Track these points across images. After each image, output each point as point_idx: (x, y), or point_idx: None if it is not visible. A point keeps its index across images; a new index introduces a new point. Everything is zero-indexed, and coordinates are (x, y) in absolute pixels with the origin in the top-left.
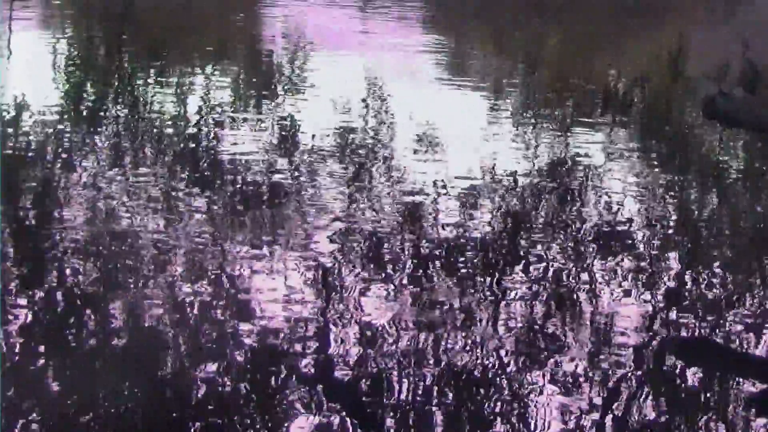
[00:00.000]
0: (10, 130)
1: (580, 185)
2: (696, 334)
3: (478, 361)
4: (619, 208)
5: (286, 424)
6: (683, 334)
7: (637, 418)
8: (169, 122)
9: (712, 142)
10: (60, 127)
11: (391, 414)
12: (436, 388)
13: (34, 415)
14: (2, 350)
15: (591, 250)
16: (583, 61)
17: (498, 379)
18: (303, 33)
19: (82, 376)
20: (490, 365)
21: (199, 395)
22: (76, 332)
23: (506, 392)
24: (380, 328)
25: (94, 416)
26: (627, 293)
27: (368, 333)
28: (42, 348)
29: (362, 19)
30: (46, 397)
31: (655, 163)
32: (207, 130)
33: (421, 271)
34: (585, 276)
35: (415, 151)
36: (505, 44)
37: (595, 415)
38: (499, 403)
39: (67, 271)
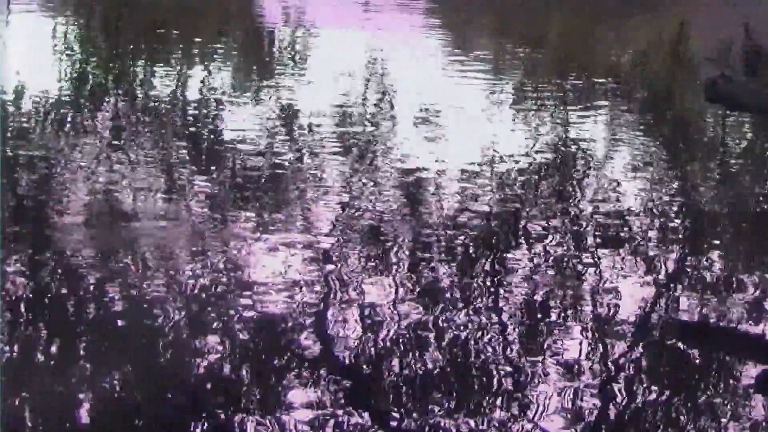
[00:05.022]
0: (10, 110)
1: (580, 165)
2: (696, 316)
3: (479, 341)
4: (618, 188)
5: (287, 406)
6: (684, 316)
7: (637, 399)
8: (169, 102)
9: (713, 124)
10: (60, 107)
11: (391, 397)
12: (437, 371)
13: (33, 396)
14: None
15: (591, 231)
16: (584, 43)
17: (499, 361)
18: (303, 11)
19: (82, 355)
20: (491, 346)
21: (199, 375)
22: (76, 312)
23: (507, 373)
24: (380, 309)
25: (95, 395)
26: (628, 275)
27: (368, 312)
28: (42, 330)
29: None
30: (46, 380)
31: (657, 143)
32: (207, 110)
33: (421, 251)
34: (585, 257)
35: (415, 129)
36: (508, 24)
37: (596, 396)
38: (499, 385)
39: (67, 251)
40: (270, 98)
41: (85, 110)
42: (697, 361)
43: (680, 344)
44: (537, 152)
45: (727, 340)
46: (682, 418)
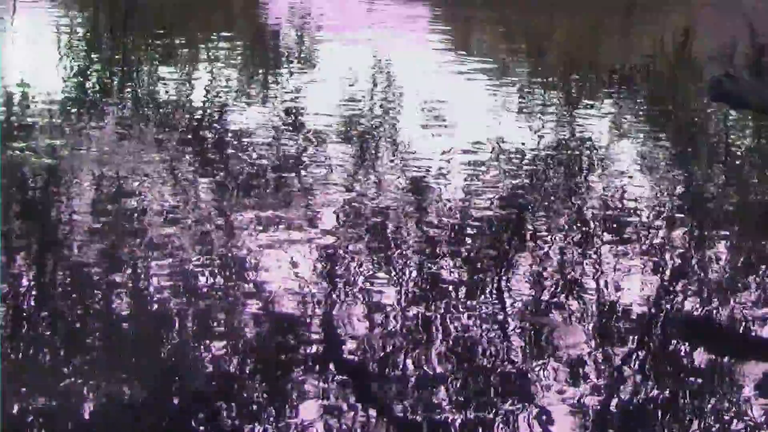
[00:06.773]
0: (14, 109)
1: (585, 163)
2: (701, 314)
3: (484, 340)
4: (623, 188)
5: (294, 405)
6: (687, 315)
7: (641, 399)
8: (174, 101)
9: (718, 123)
10: (64, 106)
11: (397, 395)
12: (441, 368)
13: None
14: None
15: (596, 229)
16: (589, 41)
17: (503, 358)
18: (309, 10)
19: (86, 355)
20: (496, 345)
21: (205, 374)
22: (81, 310)
23: (511, 371)
24: (386, 306)
25: (99, 396)
26: (631, 273)
27: (374, 310)
28: (45, 329)
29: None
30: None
31: (661, 142)
32: (212, 110)
33: (426, 248)
34: (590, 255)
35: (423, 128)
36: (512, 24)
37: (599, 396)
38: (504, 381)
39: (74, 249)
40: (276, 96)
41: (90, 109)
42: (700, 360)
43: (684, 343)
44: (543, 148)
45: (731, 340)
46: (685, 417)
